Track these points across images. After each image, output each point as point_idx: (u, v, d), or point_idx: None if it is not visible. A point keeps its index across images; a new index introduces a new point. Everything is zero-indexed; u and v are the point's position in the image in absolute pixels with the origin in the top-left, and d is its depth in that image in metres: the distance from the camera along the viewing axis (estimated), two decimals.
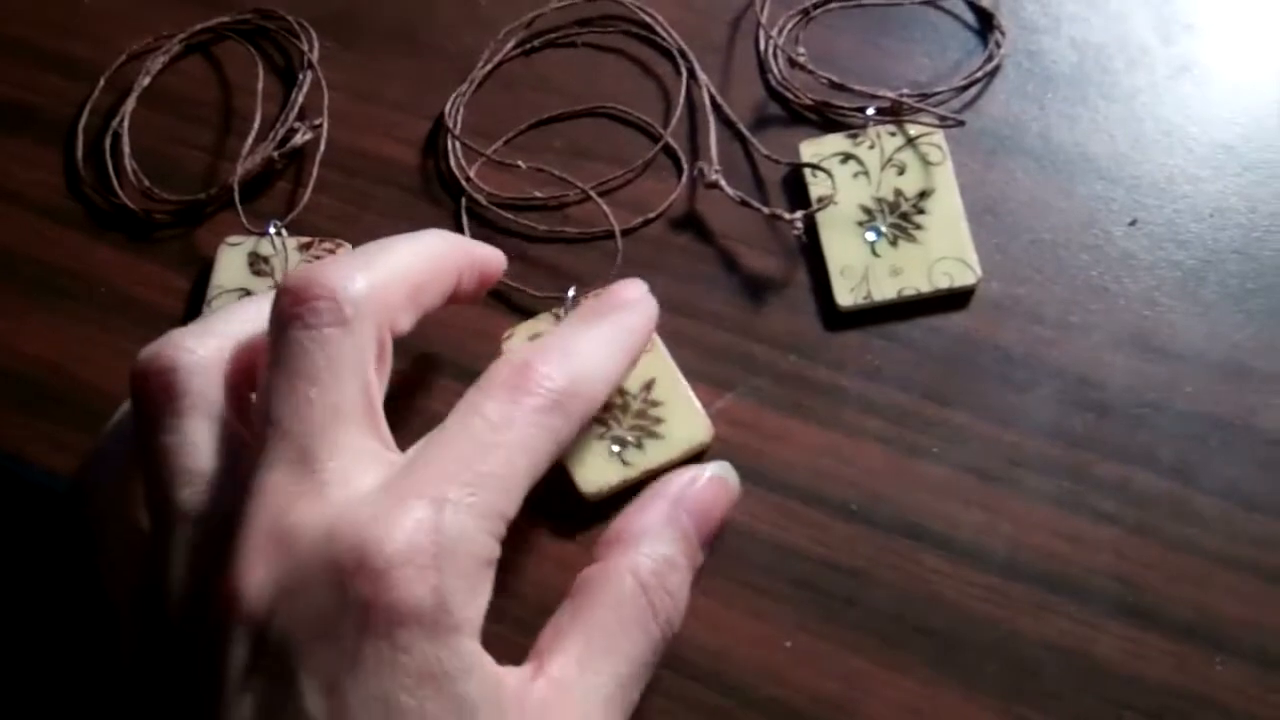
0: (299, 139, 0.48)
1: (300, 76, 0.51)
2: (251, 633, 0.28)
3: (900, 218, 0.44)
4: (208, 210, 0.48)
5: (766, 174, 0.46)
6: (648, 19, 0.50)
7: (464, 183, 0.47)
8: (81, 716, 0.37)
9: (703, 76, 0.48)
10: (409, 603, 0.27)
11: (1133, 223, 0.44)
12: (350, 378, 0.31)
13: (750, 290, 0.44)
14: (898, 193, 0.44)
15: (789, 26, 0.49)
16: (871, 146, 0.45)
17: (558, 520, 0.40)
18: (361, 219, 0.47)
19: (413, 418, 0.42)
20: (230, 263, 0.46)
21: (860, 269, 0.43)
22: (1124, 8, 0.49)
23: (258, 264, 0.45)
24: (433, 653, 0.27)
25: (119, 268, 0.47)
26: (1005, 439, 0.40)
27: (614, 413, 0.41)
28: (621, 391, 0.41)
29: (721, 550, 0.40)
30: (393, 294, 0.33)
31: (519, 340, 0.42)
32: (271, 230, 0.46)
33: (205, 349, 0.33)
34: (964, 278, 0.42)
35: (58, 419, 0.44)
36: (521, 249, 0.46)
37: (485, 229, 0.46)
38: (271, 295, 0.32)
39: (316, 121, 0.49)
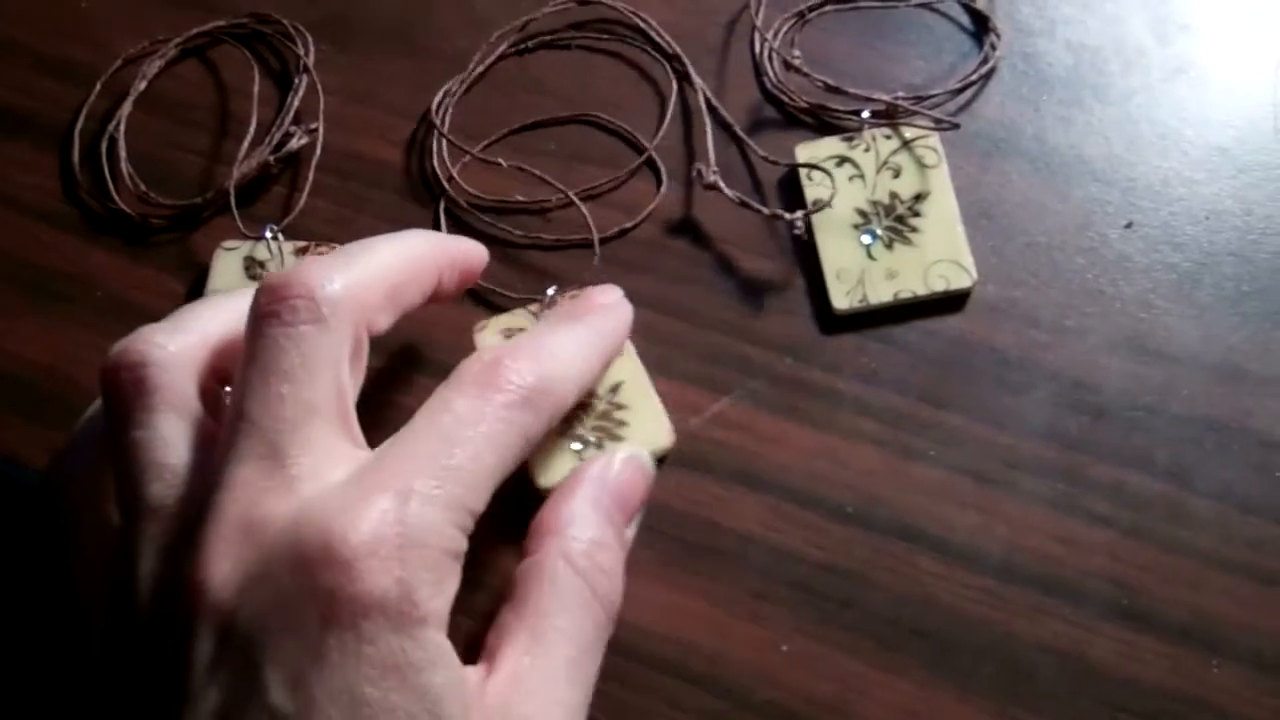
0: (295, 143, 0.48)
1: (296, 80, 0.51)
2: (217, 625, 0.28)
3: (896, 220, 0.44)
4: (204, 214, 0.48)
5: (762, 177, 0.46)
6: (641, 23, 0.50)
7: (445, 182, 0.47)
8: (54, 713, 0.37)
9: (697, 80, 0.48)
10: (373, 594, 0.27)
11: (1128, 225, 0.44)
12: (324, 375, 0.31)
13: (746, 293, 0.44)
14: (893, 195, 0.44)
15: (784, 29, 0.49)
16: (867, 149, 0.45)
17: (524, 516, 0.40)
18: (357, 222, 0.47)
19: (389, 414, 0.42)
20: (226, 267, 0.46)
21: (856, 272, 0.43)
22: (1119, 10, 0.49)
23: (254, 268, 0.45)
24: (397, 644, 0.28)
25: (115, 272, 0.47)
26: (1001, 441, 0.40)
27: (578, 413, 0.41)
28: (589, 392, 0.41)
29: (718, 553, 0.40)
30: (370, 294, 0.33)
31: (491, 332, 0.42)
32: (267, 234, 0.46)
33: (177, 345, 0.34)
34: (960, 280, 0.42)
35: (52, 422, 0.44)
36: (502, 251, 0.46)
37: (465, 231, 0.46)
38: (243, 292, 0.32)
39: (312, 125, 0.49)
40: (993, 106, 0.47)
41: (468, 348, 0.42)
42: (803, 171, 0.45)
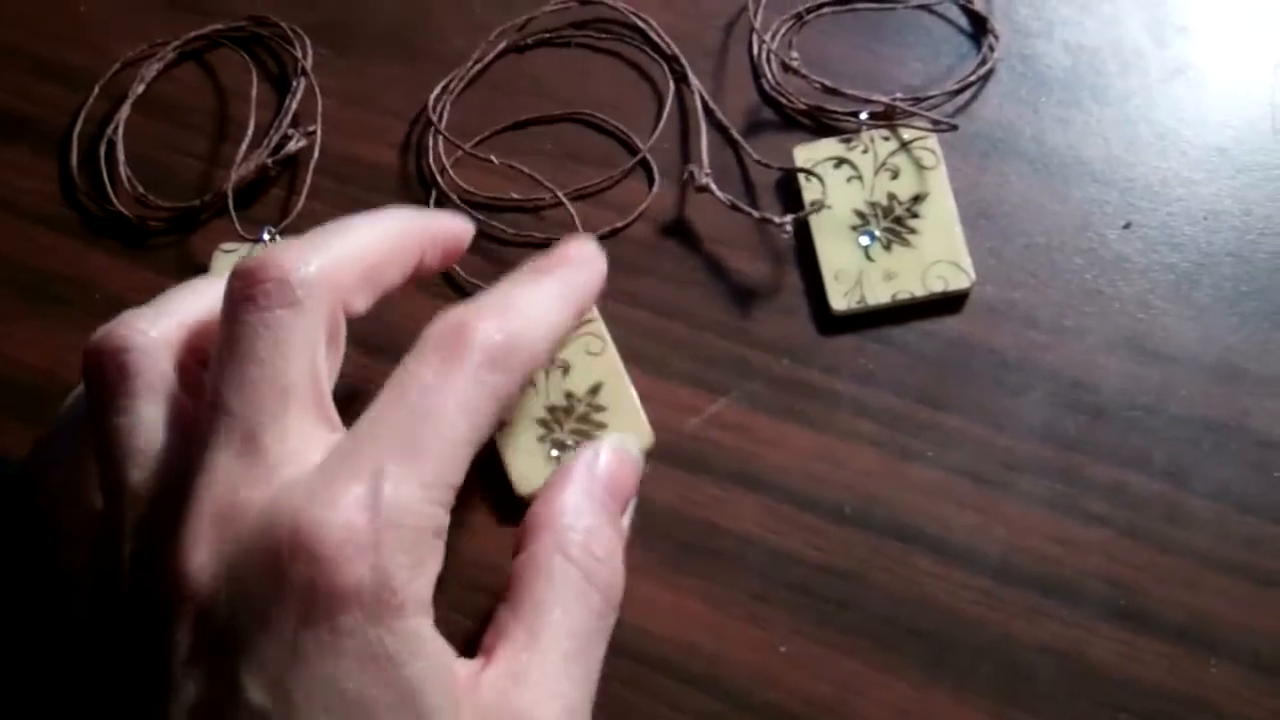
0: (293, 146, 0.48)
1: (294, 83, 0.51)
2: (195, 615, 0.28)
3: (894, 222, 0.44)
4: (202, 217, 0.49)
5: (759, 178, 0.46)
6: (640, 23, 0.50)
7: (438, 175, 0.47)
8: (40, 702, 0.37)
9: (695, 81, 0.48)
10: (348, 585, 0.27)
11: (1127, 226, 0.44)
12: (298, 360, 0.30)
13: (744, 295, 0.44)
14: (891, 197, 0.44)
15: (782, 31, 0.49)
16: (865, 151, 0.45)
17: (508, 516, 0.41)
18: None
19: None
20: (224, 269, 0.45)
21: (854, 273, 0.43)
22: (1117, 11, 0.49)
23: None
24: (375, 635, 0.27)
25: (113, 274, 0.47)
26: (999, 442, 0.40)
27: (557, 415, 0.41)
28: (567, 394, 0.41)
29: (716, 555, 0.40)
30: (346, 275, 0.33)
31: None
32: (265, 237, 0.46)
33: (158, 330, 0.33)
34: (958, 281, 0.43)
35: None
36: (493, 248, 0.46)
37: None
38: (224, 276, 0.32)
39: (310, 128, 0.49)
40: (991, 108, 0.47)
41: None
42: (800, 173, 0.45)
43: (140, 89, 0.52)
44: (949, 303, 0.43)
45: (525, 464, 0.41)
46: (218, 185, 0.48)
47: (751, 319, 0.43)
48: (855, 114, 0.46)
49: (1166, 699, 0.36)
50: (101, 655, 0.31)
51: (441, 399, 0.30)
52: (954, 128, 0.45)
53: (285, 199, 0.49)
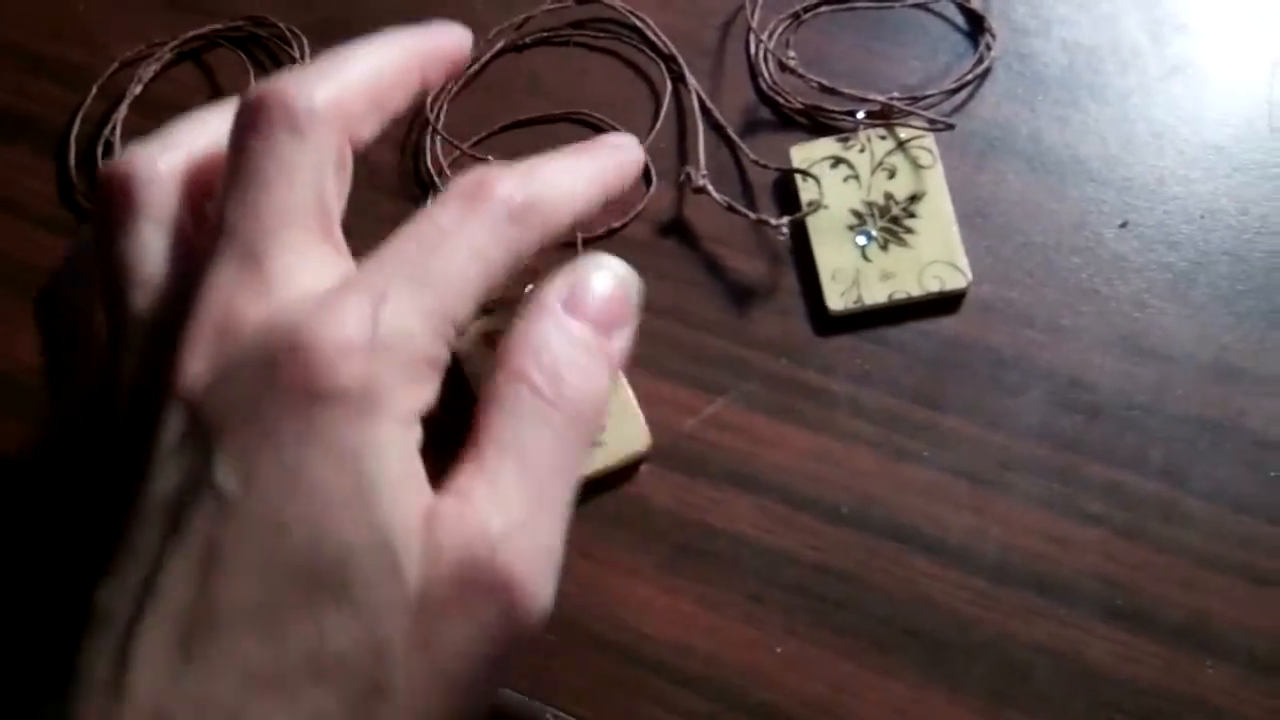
0: None
1: None
2: (186, 412, 0.28)
3: (891, 221, 0.44)
4: None
5: (757, 178, 0.46)
6: (638, 23, 0.50)
7: (436, 176, 0.47)
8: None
9: (692, 81, 0.48)
10: (334, 386, 0.27)
11: (1124, 225, 0.44)
12: (304, 184, 0.30)
13: (741, 295, 0.44)
14: (888, 196, 0.44)
15: (779, 30, 0.49)
16: (862, 150, 0.45)
17: None
18: (353, 225, 0.47)
19: None
20: None
21: (851, 273, 0.43)
22: (1115, 9, 0.49)
23: None
24: (348, 433, 0.27)
25: None
26: (995, 442, 0.40)
27: None
28: None
29: (712, 555, 0.40)
30: (351, 101, 0.32)
31: (474, 336, 0.42)
32: None
33: (166, 161, 0.34)
34: (954, 281, 0.43)
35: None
36: None
37: None
38: (230, 107, 0.32)
39: None
40: (988, 107, 0.47)
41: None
42: (797, 173, 0.45)
43: (138, 89, 0.52)
44: (945, 302, 0.43)
45: None
46: None
47: (748, 319, 0.44)
48: (852, 113, 0.46)
49: (1163, 699, 0.36)
50: (96, 463, 0.32)
51: (456, 239, 0.30)
52: (951, 127, 0.45)
53: None
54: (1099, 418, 0.41)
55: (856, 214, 0.44)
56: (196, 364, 0.28)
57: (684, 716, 0.37)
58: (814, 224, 0.44)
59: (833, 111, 0.47)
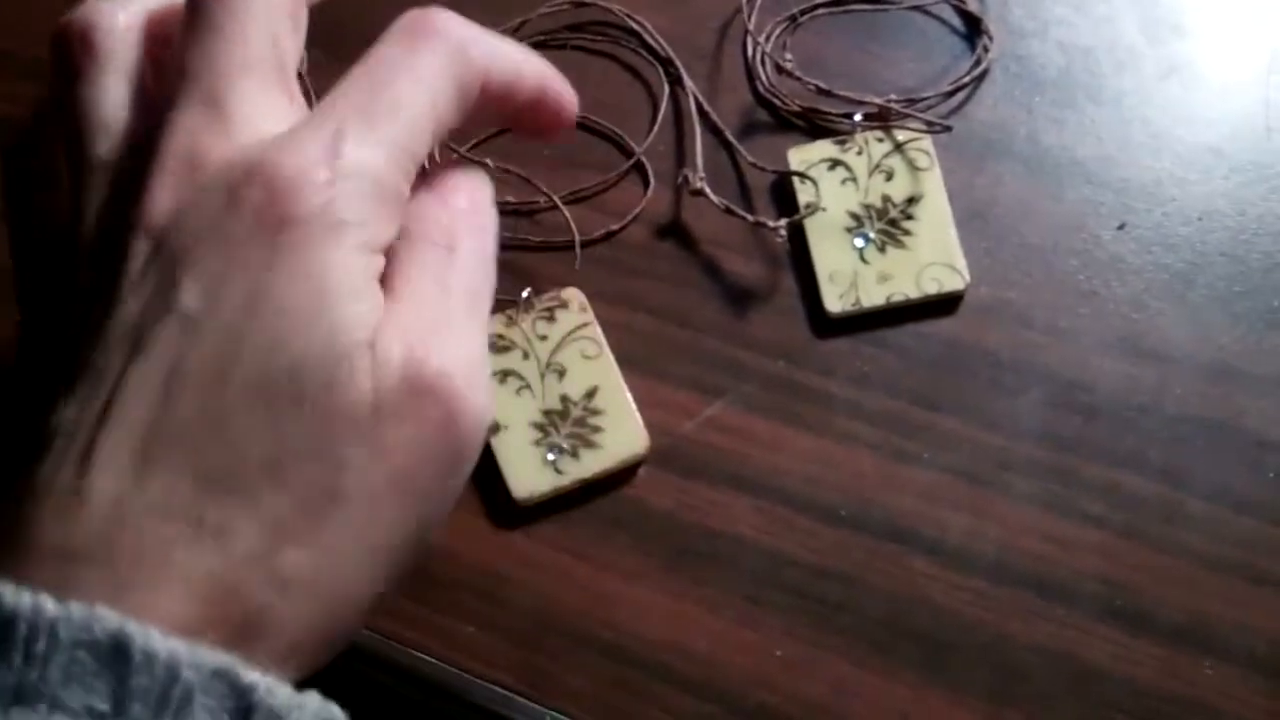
0: None
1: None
2: (151, 243, 0.29)
3: (888, 224, 0.44)
4: None
5: (754, 180, 0.46)
6: (635, 26, 0.50)
7: None
8: None
9: (689, 84, 0.48)
10: (298, 211, 0.28)
11: (1121, 226, 0.44)
12: (259, 34, 0.32)
13: (739, 297, 0.44)
14: (886, 199, 0.44)
15: (776, 33, 0.49)
16: (859, 152, 0.45)
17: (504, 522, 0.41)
18: None
19: None
20: None
21: (849, 275, 0.43)
22: (1111, 11, 0.49)
23: None
24: (311, 254, 0.28)
25: None
26: (994, 443, 0.40)
27: (553, 419, 0.41)
28: (563, 398, 0.42)
29: (711, 557, 0.40)
30: None
31: None
32: None
33: (126, 14, 0.35)
34: (952, 283, 0.43)
35: None
36: None
37: None
38: None
39: None
40: (985, 108, 0.47)
41: None
42: (795, 176, 0.45)
43: None
44: (943, 304, 0.43)
45: (521, 468, 0.41)
46: None
47: (747, 321, 0.44)
48: (849, 115, 0.46)
49: (1162, 699, 0.36)
50: (58, 307, 0.32)
51: (406, 72, 0.32)
52: (948, 129, 0.45)
53: None
54: (1097, 419, 0.41)
55: (854, 216, 0.44)
56: (162, 199, 0.30)
57: (683, 718, 0.37)
58: (812, 226, 0.44)
59: (830, 114, 0.47)
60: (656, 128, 0.48)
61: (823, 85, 0.46)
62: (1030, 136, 0.46)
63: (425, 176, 0.35)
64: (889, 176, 0.45)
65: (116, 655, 0.25)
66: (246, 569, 0.28)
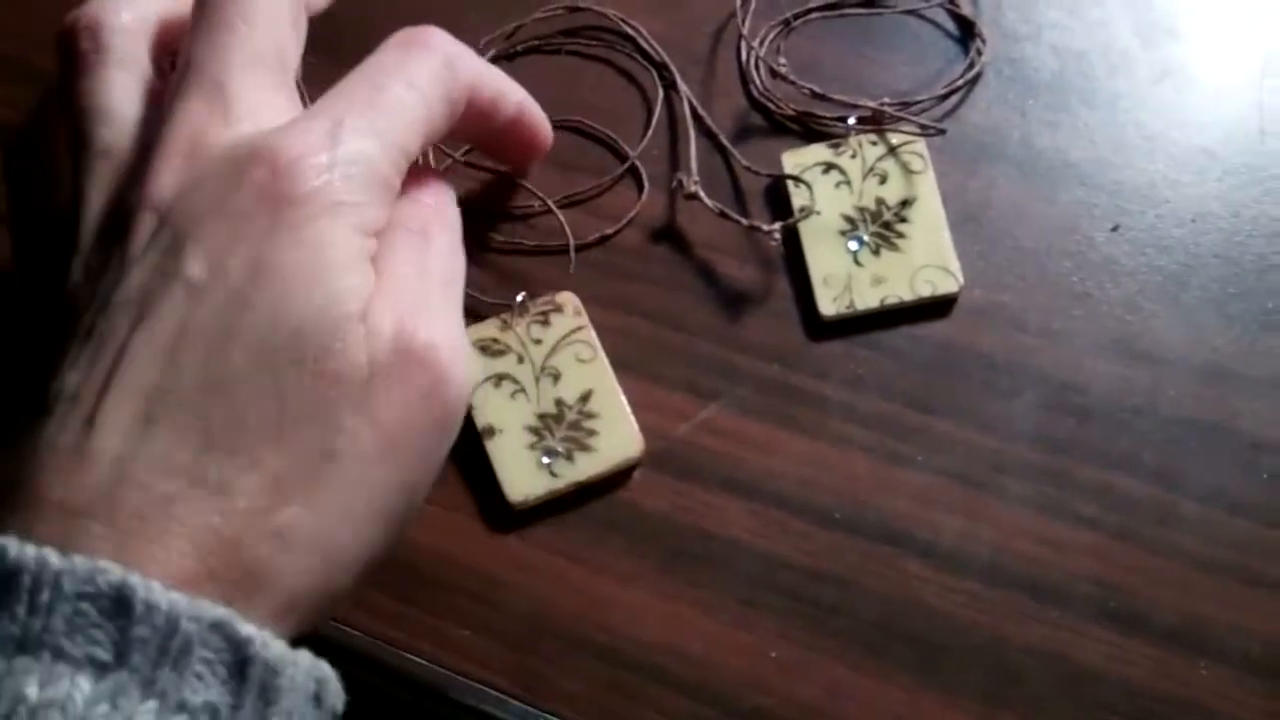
0: None
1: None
2: (156, 218, 0.31)
3: (882, 226, 0.44)
4: None
5: (749, 184, 0.46)
6: (630, 30, 0.50)
7: None
8: None
9: (684, 88, 0.48)
10: (299, 189, 0.30)
11: (1115, 228, 0.44)
12: (264, 32, 0.34)
13: (733, 300, 0.44)
14: (880, 201, 0.44)
15: (770, 37, 0.49)
16: (853, 156, 0.45)
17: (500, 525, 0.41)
18: None
19: None
20: None
21: (843, 278, 0.43)
22: (1105, 14, 0.49)
23: None
24: (311, 228, 0.30)
25: None
26: (988, 445, 0.40)
27: (548, 423, 0.41)
28: (558, 402, 0.42)
29: (706, 560, 0.40)
30: None
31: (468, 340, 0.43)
32: None
33: (132, 13, 0.37)
34: (946, 286, 0.43)
35: None
36: (482, 255, 0.46)
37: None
38: None
39: None
40: (979, 112, 0.47)
41: None
42: (789, 179, 0.45)
43: None
44: (937, 307, 0.43)
45: (516, 472, 0.41)
46: None
47: (741, 324, 0.44)
48: (843, 119, 0.46)
49: (1156, 700, 0.36)
50: (59, 290, 0.33)
51: (400, 77, 0.34)
52: (942, 132, 0.45)
53: None
54: (1091, 421, 0.41)
55: (848, 219, 0.44)
56: (166, 178, 0.31)
57: None
58: (806, 229, 0.44)
59: (824, 117, 0.47)
60: (651, 132, 0.48)
61: (817, 89, 0.46)
62: (1024, 139, 0.46)
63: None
64: (883, 180, 0.45)
65: (118, 607, 0.26)
66: (247, 524, 0.29)
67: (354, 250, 0.31)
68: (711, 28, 0.51)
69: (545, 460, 0.41)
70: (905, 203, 0.44)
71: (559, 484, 0.40)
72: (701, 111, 0.48)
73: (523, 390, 0.42)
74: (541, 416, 0.41)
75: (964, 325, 0.43)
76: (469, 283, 0.44)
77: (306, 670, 0.28)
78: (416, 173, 0.36)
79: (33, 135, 0.39)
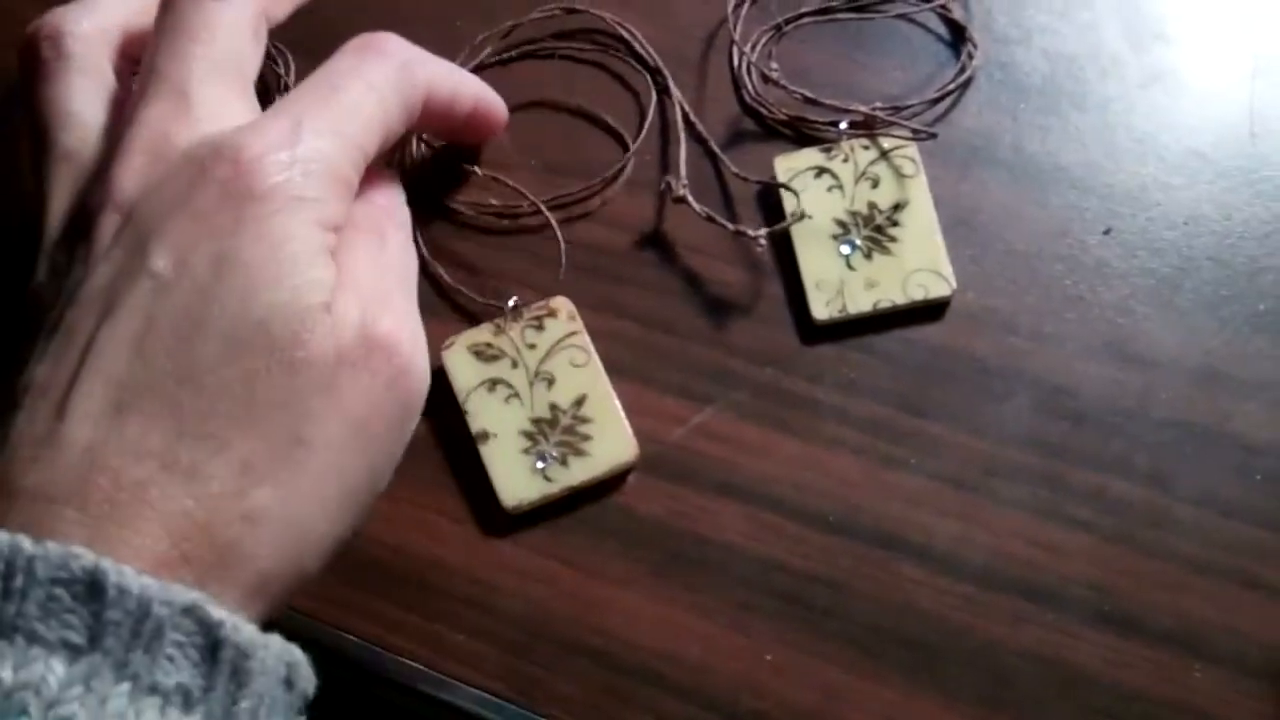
0: None
1: (276, 99, 0.50)
2: (121, 217, 0.32)
3: (874, 230, 0.44)
4: None
5: (741, 189, 0.46)
6: (625, 34, 0.50)
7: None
8: None
9: (676, 92, 0.48)
10: (263, 185, 0.31)
11: (1107, 231, 0.44)
12: (226, 41, 0.35)
13: (726, 305, 0.44)
14: (872, 205, 0.44)
15: (762, 42, 0.49)
16: (845, 160, 0.45)
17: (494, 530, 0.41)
18: None
19: None
20: None
21: (835, 282, 0.43)
22: (1095, 18, 0.49)
23: None
24: (275, 222, 0.31)
25: None
26: (981, 449, 0.41)
27: (542, 427, 0.41)
28: (552, 406, 0.42)
29: (701, 564, 0.40)
30: None
31: (459, 348, 0.43)
32: None
33: (92, 22, 0.38)
34: (939, 289, 0.43)
35: None
36: (470, 256, 0.46)
37: (443, 236, 0.46)
38: None
39: None
40: (970, 116, 0.47)
41: (436, 362, 0.42)
42: (780, 187, 0.45)
43: None
44: (930, 310, 0.43)
45: (510, 476, 0.41)
46: None
47: (734, 329, 0.44)
48: (835, 123, 0.46)
49: (1151, 703, 0.36)
50: (29, 288, 0.34)
51: (358, 79, 0.35)
52: (933, 136, 0.45)
53: None
54: (1084, 424, 0.41)
55: (840, 223, 0.44)
56: (129, 177, 0.32)
57: None
58: (798, 233, 0.44)
59: (816, 122, 0.47)
60: (643, 136, 0.48)
61: (809, 94, 0.46)
62: (1015, 143, 0.46)
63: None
64: (875, 184, 0.45)
65: (91, 592, 0.26)
66: (219, 507, 0.29)
67: (316, 244, 0.32)
68: (703, 33, 0.51)
69: (539, 465, 0.41)
70: (897, 207, 0.44)
71: (553, 489, 0.40)
72: (693, 116, 0.48)
73: (517, 395, 0.42)
74: (536, 421, 0.41)
75: (956, 329, 0.43)
76: (458, 284, 0.44)
77: (277, 654, 0.29)
78: (368, 174, 0.37)
79: None
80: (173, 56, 0.34)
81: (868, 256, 0.43)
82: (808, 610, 0.39)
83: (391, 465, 0.34)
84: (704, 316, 0.44)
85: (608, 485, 0.41)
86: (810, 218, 0.44)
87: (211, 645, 0.27)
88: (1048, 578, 0.38)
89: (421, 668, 0.39)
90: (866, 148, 0.45)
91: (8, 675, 0.25)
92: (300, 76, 0.51)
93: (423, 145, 0.48)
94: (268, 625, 0.30)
